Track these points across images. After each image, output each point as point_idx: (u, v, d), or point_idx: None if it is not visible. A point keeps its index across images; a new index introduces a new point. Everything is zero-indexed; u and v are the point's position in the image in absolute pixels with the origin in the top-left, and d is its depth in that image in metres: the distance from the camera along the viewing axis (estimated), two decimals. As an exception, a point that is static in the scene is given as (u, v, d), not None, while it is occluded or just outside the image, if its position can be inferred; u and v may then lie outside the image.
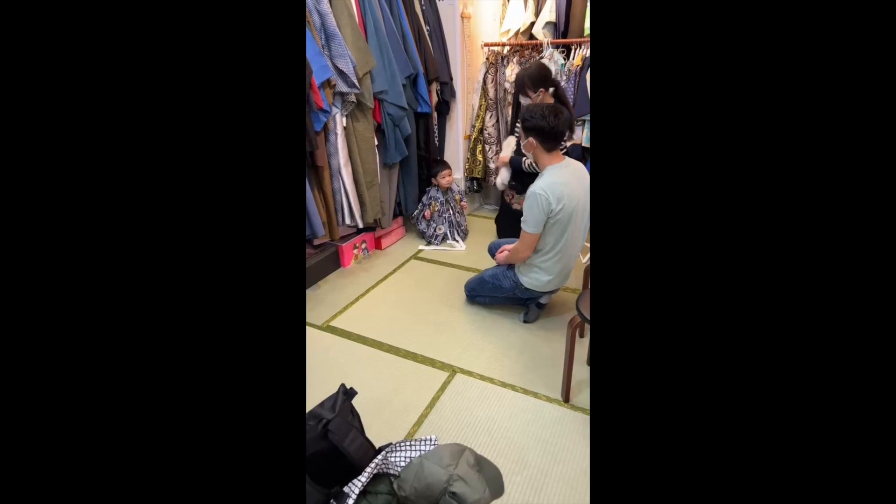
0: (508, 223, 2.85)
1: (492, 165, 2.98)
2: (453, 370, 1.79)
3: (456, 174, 3.13)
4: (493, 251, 2.23)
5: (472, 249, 2.90)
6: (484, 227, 3.22)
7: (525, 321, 2.09)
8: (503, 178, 2.65)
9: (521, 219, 1.81)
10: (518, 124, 2.64)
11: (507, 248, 2.04)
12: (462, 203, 3.04)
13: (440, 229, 2.94)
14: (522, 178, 2.62)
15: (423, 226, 3.01)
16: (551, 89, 2.24)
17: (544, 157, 1.79)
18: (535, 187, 1.76)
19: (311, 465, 0.92)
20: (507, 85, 3.02)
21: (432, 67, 2.73)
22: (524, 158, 2.46)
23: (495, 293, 2.10)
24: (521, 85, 2.24)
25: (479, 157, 3.20)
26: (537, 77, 2.19)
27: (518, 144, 2.61)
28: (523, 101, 2.36)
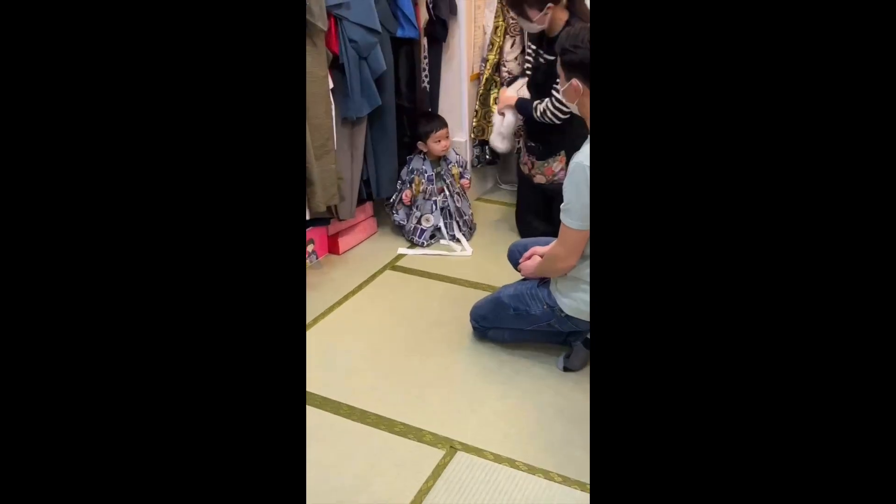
0: (528, 206, 2.92)
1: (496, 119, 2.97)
2: (452, 446, 1.79)
3: (456, 137, 3.14)
4: (515, 257, 2.25)
5: (482, 254, 2.90)
6: (501, 217, 3.28)
7: (566, 368, 2.11)
8: (505, 127, 2.78)
9: (562, 206, 1.81)
10: (528, 61, 2.74)
11: (539, 252, 2.05)
12: (463, 182, 3.07)
13: (427, 221, 2.96)
14: (542, 133, 2.67)
15: (400, 216, 3.02)
16: (564, 0, 2.38)
17: None
18: (583, 157, 1.75)
19: None
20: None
21: (421, -33, 2.75)
22: (537, 103, 2.55)
23: (519, 324, 2.11)
24: (518, 2, 2.37)
25: (495, 110, 3.15)
26: None
27: (534, 86, 2.66)
28: (525, 26, 2.51)
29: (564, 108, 2.41)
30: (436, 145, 2.90)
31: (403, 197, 2.96)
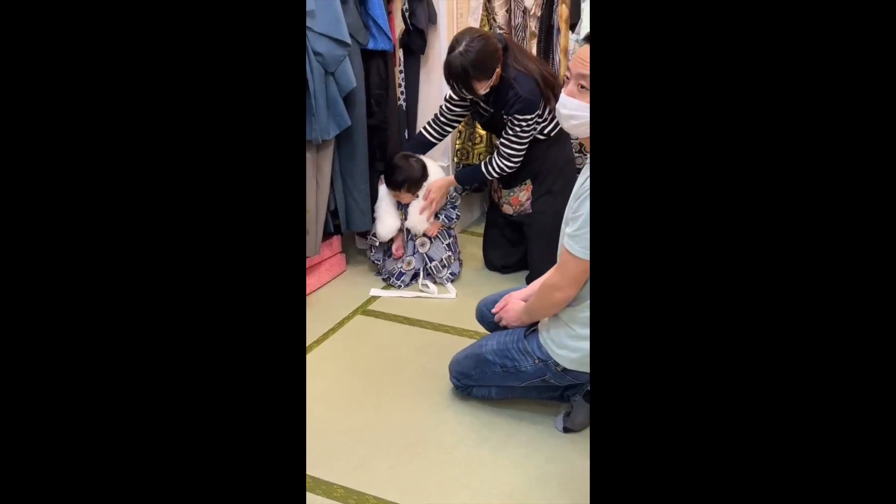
0: (494, 239, 3.08)
1: (416, 227, 2.96)
2: (430, 526, 1.80)
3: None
4: (486, 317, 2.27)
5: (468, 296, 2.91)
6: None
7: (566, 429, 2.10)
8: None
9: (569, 231, 1.80)
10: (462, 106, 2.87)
11: (517, 296, 2.09)
12: (430, 226, 2.97)
13: (409, 264, 3.00)
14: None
15: (377, 256, 3.10)
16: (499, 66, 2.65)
17: None
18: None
19: None
20: (530, 2, 3.08)
21: (395, -29, 2.83)
22: (485, 165, 2.81)
23: (509, 381, 2.10)
24: (463, 78, 2.58)
25: (481, 131, 3.23)
26: (482, 62, 2.55)
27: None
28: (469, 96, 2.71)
29: (515, 157, 2.72)
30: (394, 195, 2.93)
31: (378, 244, 2.98)
